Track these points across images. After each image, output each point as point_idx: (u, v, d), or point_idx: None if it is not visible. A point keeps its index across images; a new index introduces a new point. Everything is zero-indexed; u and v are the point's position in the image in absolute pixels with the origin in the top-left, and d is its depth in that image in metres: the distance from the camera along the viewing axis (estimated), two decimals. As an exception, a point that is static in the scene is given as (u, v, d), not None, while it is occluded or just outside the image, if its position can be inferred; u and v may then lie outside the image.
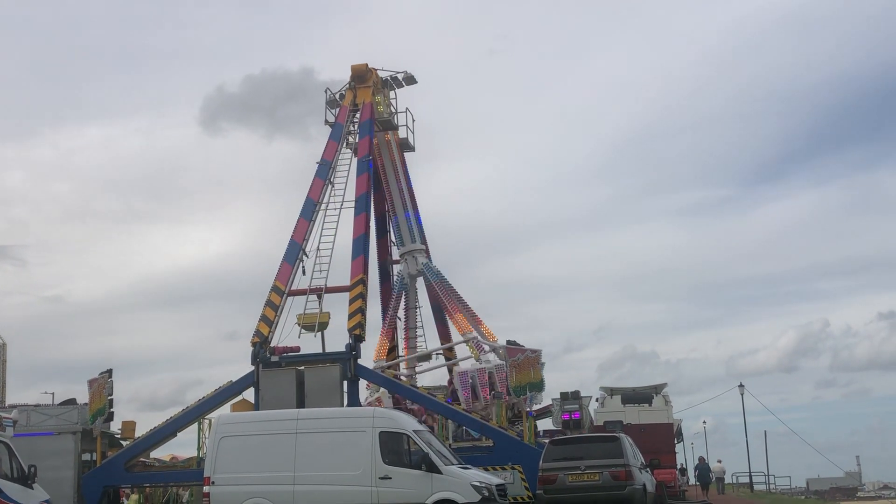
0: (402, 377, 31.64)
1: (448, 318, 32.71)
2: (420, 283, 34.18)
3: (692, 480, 56.71)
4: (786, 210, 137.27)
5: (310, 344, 29.06)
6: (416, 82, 34.66)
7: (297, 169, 30.34)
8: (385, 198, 34.75)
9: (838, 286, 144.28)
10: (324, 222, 30.75)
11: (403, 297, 33.82)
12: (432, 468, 20.73)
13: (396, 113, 34.50)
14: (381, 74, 33.97)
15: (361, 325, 28.32)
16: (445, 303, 32.24)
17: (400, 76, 34.31)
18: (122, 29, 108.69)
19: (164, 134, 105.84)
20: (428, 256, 33.91)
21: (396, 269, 34.32)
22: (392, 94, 34.54)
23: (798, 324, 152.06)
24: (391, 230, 34.74)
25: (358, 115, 32.72)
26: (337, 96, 33.54)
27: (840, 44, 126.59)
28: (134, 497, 31.14)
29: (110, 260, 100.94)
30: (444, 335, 35.16)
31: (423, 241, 33.95)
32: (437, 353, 34.82)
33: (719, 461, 57.12)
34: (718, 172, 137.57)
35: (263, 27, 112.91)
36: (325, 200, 31.12)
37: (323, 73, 32.72)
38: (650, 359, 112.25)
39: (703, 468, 45.24)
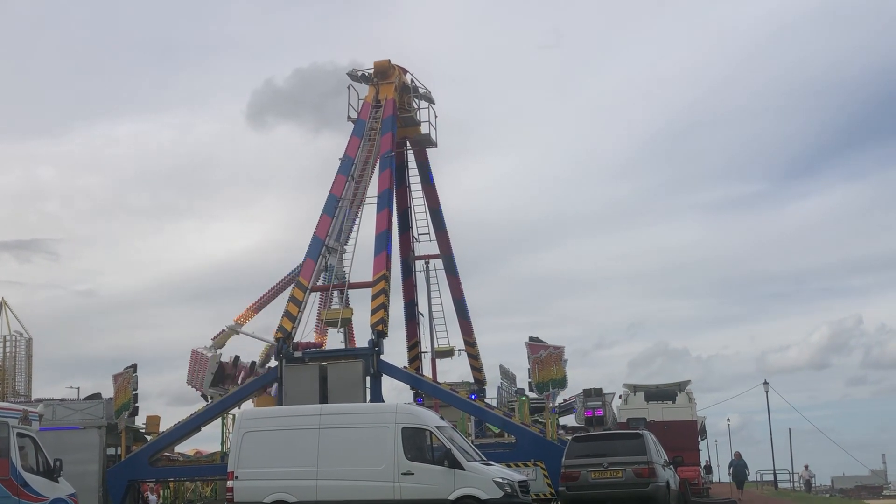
0: None
1: None
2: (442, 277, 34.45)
3: (719, 478, 56.29)
4: (817, 205, 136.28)
5: (333, 339, 29.15)
6: (433, 102, 34.69)
7: (330, 164, 30.62)
8: (407, 194, 34.80)
9: (871, 282, 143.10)
10: (346, 218, 30.75)
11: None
12: (455, 464, 20.72)
13: (419, 109, 34.46)
14: (408, 78, 33.89)
15: (384, 321, 28.32)
16: None
17: (421, 90, 34.25)
18: (161, 24, 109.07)
19: (198, 129, 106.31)
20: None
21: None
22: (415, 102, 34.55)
23: (830, 320, 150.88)
24: (412, 224, 34.78)
25: (380, 112, 32.71)
26: (360, 74, 33.38)
27: (872, 37, 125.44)
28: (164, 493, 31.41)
29: (141, 255, 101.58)
30: (467, 330, 35.22)
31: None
32: (459, 350, 34.86)
33: (806, 466, 56.32)
34: (749, 167, 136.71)
35: (314, 21, 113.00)
36: (348, 196, 31.14)
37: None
38: (681, 355, 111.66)
39: (738, 465, 40.43)
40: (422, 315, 34.69)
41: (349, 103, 33.45)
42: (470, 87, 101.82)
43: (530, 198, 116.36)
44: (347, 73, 33.48)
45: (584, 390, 35.66)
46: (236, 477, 21.87)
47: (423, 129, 34.59)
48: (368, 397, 27.13)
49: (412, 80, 34.02)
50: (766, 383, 56.16)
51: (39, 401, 28.08)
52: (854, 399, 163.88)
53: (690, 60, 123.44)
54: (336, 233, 30.29)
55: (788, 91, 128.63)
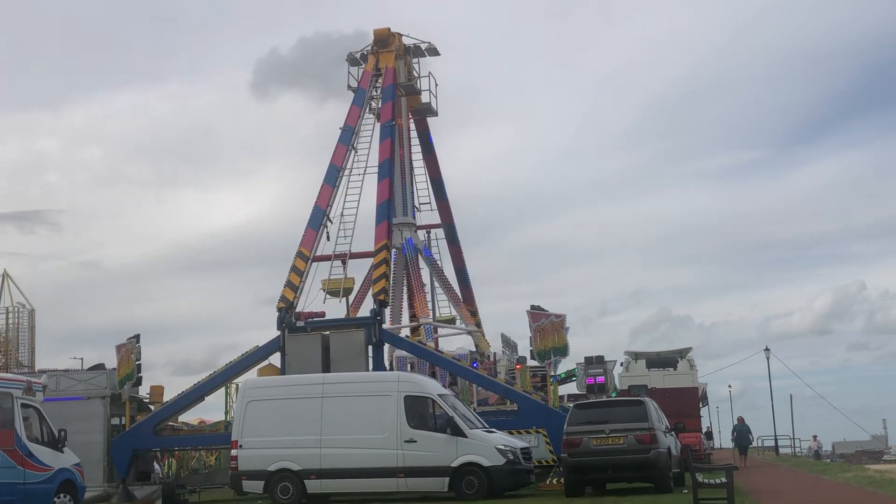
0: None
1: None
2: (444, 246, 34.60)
3: (720, 444, 56.42)
4: (820, 172, 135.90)
5: (335, 309, 29.22)
6: (438, 54, 34.48)
7: (334, 134, 30.67)
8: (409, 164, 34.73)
9: (874, 248, 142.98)
10: (347, 188, 30.74)
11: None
12: (457, 432, 20.86)
13: (419, 78, 34.32)
14: (406, 41, 33.75)
15: (385, 291, 28.37)
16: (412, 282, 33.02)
17: (423, 46, 34.07)
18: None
19: (201, 100, 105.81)
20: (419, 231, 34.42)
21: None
22: (415, 61, 34.35)
23: (833, 286, 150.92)
24: (414, 194, 34.80)
25: (380, 80, 32.58)
26: (358, 56, 33.33)
27: (873, 4, 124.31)
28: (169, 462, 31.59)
29: (143, 226, 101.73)
30: (468, 299, 35.24)
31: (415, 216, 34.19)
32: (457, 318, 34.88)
33: (815, 437, 55.94)
34: (751, 135, 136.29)
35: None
36: (349, 166, 31.09)
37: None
38: (684, 322, 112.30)
39: (741, 430, 38.83)
40: (424, 284, 34.70)
41: (349, 72, 33.38)
42: (473, 56, 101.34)
43: (533, 166, 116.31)
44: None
45: (585, 358, 35.76)
46: (240, 446, 22.03)
47: (424, 97, 34.49)
48: (371, 366, 27.21)
49: (413, 43, 33.85)
50: (767, 350, 56.45)
51: (43, 372, 28.20)
52: (855, 365, 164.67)
53: (691, 28, 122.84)
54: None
55: (790, 57, 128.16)
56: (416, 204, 34.89)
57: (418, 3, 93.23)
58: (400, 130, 34.01)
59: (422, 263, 34.31)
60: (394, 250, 32.14)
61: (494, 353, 30.94)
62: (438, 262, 34.87)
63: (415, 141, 34.97)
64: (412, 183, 34.37)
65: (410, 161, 34.48)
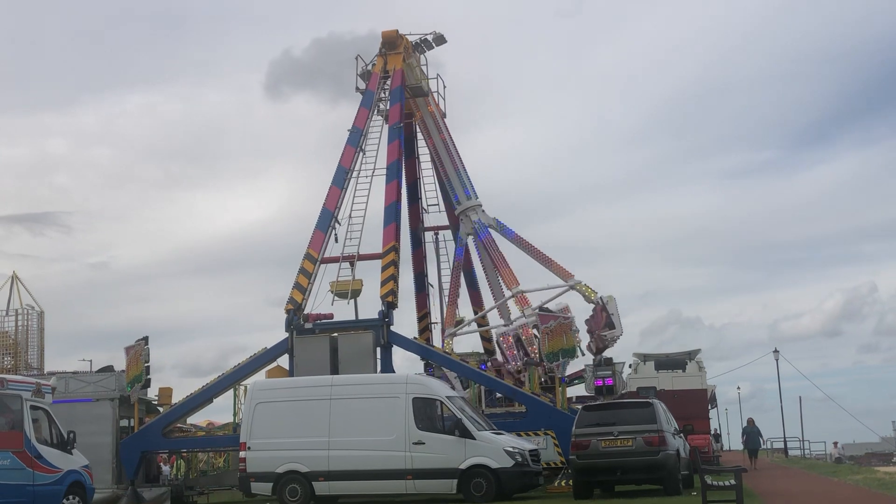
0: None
1: (498, 272, 32.61)
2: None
3: (729, 446, 56.27)
4: (831, 172, 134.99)
5: (343, 311, 29.23)
6: (445, 42, 34.38)
7: (342, 135, 30.72)
8: (416, 165, 34.69)
9: (885, 249, 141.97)
10: (355, 190, 30.76)
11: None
12: (465, 434, 20.86)
13: (427, 79, 34.27)
14: (411, 38, 33.75)
15: (394, 293, 28.36)
16: (493, 258, 32.35)
17: (429, 37, 34.05)
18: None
19: (213, 100, 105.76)
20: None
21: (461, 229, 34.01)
22: (423, 58, 34.33)
23: (843, 287, 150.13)
24: (421, 195, 34.76)
25: (388, 82, 32.59)
26: (368, 67, 33.34)
27: (886, 3, 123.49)
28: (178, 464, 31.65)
29: (153, 227, 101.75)
30: (476, 301, 35.20)
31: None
32: (470, 321, 34.86)
33: (836, 443, 55.45)
34: (762, 135, 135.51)
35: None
36: (357, 168, 31.10)
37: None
38: (694, 324, 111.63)
39: (751, 432, 37.94)
40: (431, 286, 34.69)
41: (357, 74, 33.37)
42: (484, 56, 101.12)
43: (542, 166, 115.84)
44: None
45: (593, 359, 35.71)
46: (249, 448, 22.06)
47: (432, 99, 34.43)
48: (379, 368, 27.21)
49: (419, 38, 33.79)
50: (776, 351, 56.43)
51: (52, 374, 28.25)
52: (865, 366, 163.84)
53: (703, 27, 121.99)
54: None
55: (801, 57, 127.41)
56: (425, 206, 34.86)
57: (430, 4, 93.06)
58: (434, 118, 33.85)
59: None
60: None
61: (603, 299, 29.87)
62: (446, 264, 34.47)
63: (422, 143, 34.90)
64: (460, 163, 33.89)
65: (452, 141, 34.05)
